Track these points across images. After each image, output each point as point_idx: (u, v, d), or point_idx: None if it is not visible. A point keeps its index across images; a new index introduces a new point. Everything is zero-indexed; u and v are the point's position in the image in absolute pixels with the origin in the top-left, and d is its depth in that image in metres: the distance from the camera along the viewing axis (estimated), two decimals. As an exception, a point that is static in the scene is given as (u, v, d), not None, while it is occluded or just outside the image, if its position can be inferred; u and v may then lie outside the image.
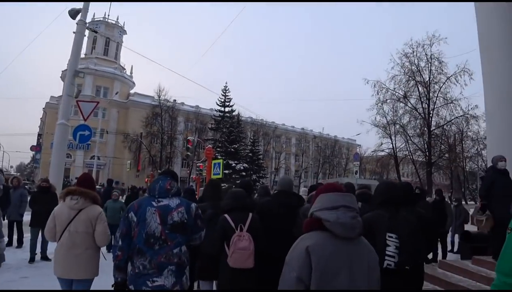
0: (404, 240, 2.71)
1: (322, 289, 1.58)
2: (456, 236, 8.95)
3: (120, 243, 2.62)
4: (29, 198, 6.40)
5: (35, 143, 47.86)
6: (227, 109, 44.20)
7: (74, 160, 43.59)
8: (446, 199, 9.28)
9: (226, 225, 3.29)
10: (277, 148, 56.73)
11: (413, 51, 24.81)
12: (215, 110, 44.95)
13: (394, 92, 25.55)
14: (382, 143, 27.46)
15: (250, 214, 3.43)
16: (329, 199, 1.77)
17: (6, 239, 4.86)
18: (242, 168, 39.44)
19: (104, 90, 47.11)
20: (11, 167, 73.01)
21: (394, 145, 27.28)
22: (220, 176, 13.97)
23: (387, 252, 2.68)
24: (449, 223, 8.02)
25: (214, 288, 3.83)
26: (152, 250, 2.54)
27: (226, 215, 3.36)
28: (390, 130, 27.09)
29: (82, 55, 46.17)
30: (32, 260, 6.54)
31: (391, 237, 2.72)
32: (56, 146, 9.60)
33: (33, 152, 49.80)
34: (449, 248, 8.85)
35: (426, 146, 25.04)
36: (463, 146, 30.08)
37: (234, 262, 3.16)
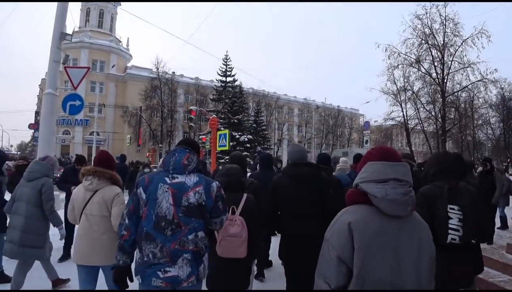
0: (467, 212, 2.51)
1: (365, 272, 1.41)
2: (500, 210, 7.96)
3: (126, 221, 2.28)
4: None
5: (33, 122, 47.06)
6: (228, 79, 43.18)
7: (73, 136, 43.12)
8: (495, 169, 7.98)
9: None
10: (279, 119, 55.56)
11: (426, 12, 23.09)
12: (217, 80, 43.91)
13: (406, 56, 24.13)
14: (392, 111, 26.27)
15: (245, 195, 3.03)
16: (378, 169, 1.54)
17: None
18: (246, 139, 38.63)
19: (101, 64, 45.57)
20: (11, 146, 72.29)
21: (405, 113, 26.13)
22: (226, 148, 13.09)
23: (450, 226, 2.48)
24: (497, 197, 7.01)
25: None
26: (164, 236, 2.17)
27: None
28: (400, 98, 25.91)
29: (76, 28, 45.19)
30: None
31: (453, 209, 2.52)
32: (44, 118, 8.50)
33: (32, 130, 49.10)
34: (497, 224, 7.82)
35: (440, 113, 23.86)
36: (473, 113, 28.89)
37: (222, 250, 2.77)
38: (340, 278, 1.46)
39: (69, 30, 9.20)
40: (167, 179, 2.27)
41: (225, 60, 42.88)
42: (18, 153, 60.68)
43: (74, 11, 46.93)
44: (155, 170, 11.65)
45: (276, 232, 3.51)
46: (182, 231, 2.20)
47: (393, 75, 24.84)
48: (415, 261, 1.47)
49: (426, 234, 1.56)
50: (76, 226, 3.11)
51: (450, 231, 2.47)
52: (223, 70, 43.08)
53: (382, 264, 1.42)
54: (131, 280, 2.33)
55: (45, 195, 3.89)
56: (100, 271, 3.26)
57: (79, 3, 46.08)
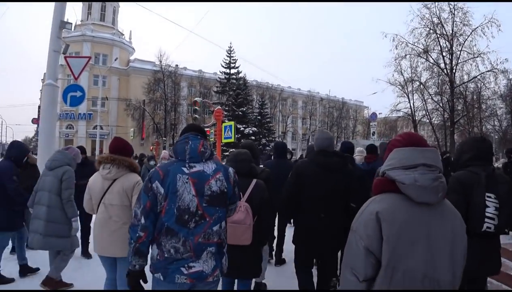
0: (503, 200, 2.48)
1: (395, 263, 1.36)
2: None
3: (142, 220, 2.06)
4: None
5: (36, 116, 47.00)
6: (232, 71, 43.05)
7: (77, 130, 43.00)
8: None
9: None
10: (284, 111, 55.24)
11: (435, 1, 22.74)
12: (220, 72, 43.82)
13: (414, 46, 23.66)
14: (399, 103, 25.89)
15: (254, 180, 2.94)
16: (405, 155, 1.49)
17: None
18: (251, 131, 38.63)
19: (103, 58, 45.21)
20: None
21: (412, 105, 25.72)
22: (232, 140, 12.83)
23: (487, 214, 2.44)
24: None
25: None
26: (187, 229, 2.06)
27: None
28: (407, 89, 25.49)
29: (78, 22, 44.89)
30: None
31: (490, 197, 2.47)
32: (44, 110, 8.26)
33: (36, 125, 49.05)
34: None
35: (449, 104, 23.43)
36: (481, 105, 28.34)
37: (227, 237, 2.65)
38: (368, 269, 1.41)
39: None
40: (184, 169, 2.12)
41: (229, 52, 42.85)
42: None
43: (76, 4, 46.55)
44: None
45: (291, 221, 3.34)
46: (207, 222, 2.10)
47: (400, 66, 24.57)
48: (449, 250, 1.41)
49: (460, 223, 1.49)
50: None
51: (486, 220, 2.44)
52: (227, 62, 43.00)
53: (413, 254, 1.37)
54: (145, 281, 2.18)
55: (65, 183, 3.85)
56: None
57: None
